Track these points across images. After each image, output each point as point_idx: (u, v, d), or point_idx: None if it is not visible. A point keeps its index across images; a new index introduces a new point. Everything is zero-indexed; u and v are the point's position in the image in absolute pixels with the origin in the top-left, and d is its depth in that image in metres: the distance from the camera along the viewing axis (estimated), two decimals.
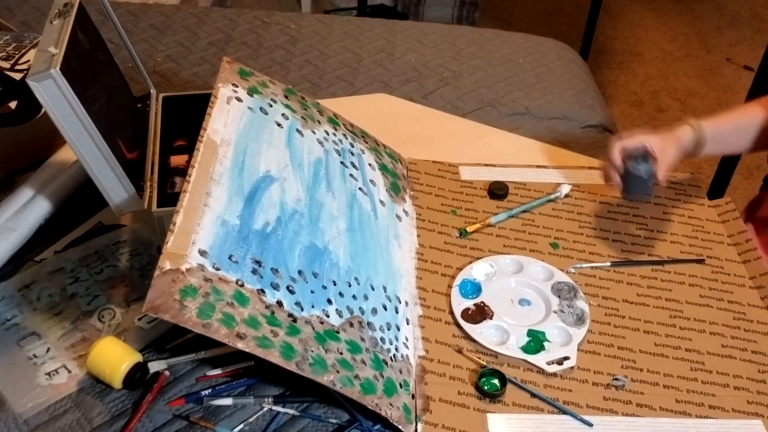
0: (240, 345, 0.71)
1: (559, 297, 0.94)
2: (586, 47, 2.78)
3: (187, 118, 1.04)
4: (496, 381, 0.84)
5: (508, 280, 0.97)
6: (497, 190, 1.11)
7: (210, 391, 0.83)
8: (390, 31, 1.63)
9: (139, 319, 0.91)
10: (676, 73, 2.94)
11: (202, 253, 0.74)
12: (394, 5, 3.15)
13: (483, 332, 0.89)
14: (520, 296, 0.95)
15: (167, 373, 0.85)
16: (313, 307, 0.80)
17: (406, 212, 1.06)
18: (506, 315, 0.92)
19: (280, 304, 0.77)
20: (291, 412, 0.81)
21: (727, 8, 3.43)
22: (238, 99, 0.94)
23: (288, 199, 0.88)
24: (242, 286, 0.75)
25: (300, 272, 0.82)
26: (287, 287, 0.79)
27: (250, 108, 0.94)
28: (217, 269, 0.74)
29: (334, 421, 0.81)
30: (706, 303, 0.95)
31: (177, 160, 1.02)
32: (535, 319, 0.92)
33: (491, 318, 0.91)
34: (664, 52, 3.08)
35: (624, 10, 3.38)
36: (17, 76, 1.14)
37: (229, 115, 0.90)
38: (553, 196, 1.11)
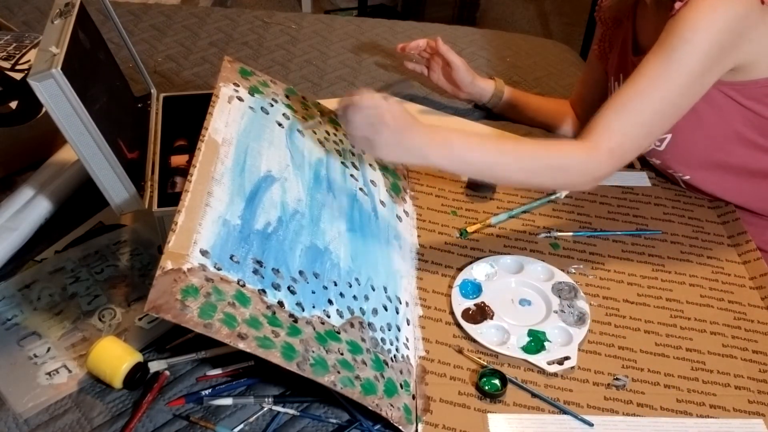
0: (241, 345, 0.71)
1: (560, 297, 0.94)
2: (586, 48, 2.78)
3: (188, 118, 1.04)
4: (496, 381, 0.84)
5: (508, 280, 0.97)
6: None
7: (210, 391, 0.83)
8: (390, 31, 1.63)
9: (140, 319, 0.91)
10: None
11: (204, 252, 0.74)
12: (394, 5, 3.15)
13: (483, 332, 0.89)
14: (520, 296, 0.95)
15: (167, 373, 0.85)
16: (314, 307, 0.80)
17: (406, 212, 1.06)
18: (507, 315, 0.92)
19: (281, 304, 0.77)
20: (291, 412, 0.81)
21: None
22: (240, 98, 0.94)
23: (289, 199, 0.88)
24: (243, 286, 0.75)
25: (301, 272, 0.82)
26: (288, 287, 0.79)
27: (251, 107, 0.94)
28: (219, 269, 0.74)
29: (334, 421, 0.81)
30: (707, 303, 0.95)
31: (177, 160, 1.02)
32: (536, 319, 0.92)
33: (492, 318, 0.91)
34: None
35: None
36: (18, 76, 1.14)
37: (230, 115, 0.90)
38: (553, 197, 1.11)
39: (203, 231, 0.76)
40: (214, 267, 0.74)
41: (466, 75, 1.25)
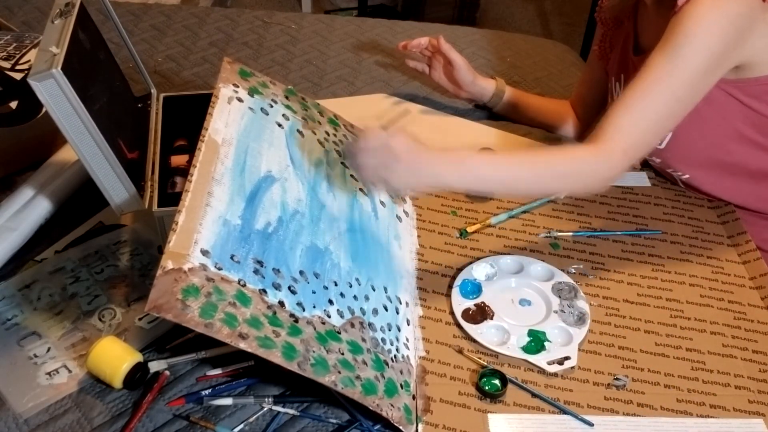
0: (242, 345, 0.71)
1: (560, 297, 0.94)
2: (586, 48, 2.78)
3: (188, 118, 1.04)
4: (496, 381, 0.84)
5: (508, 280, 0.97)
6: None
7: (210, 391, 0.83)
8: (390, 31, 1.63)
9: (140, 319, 0.91)
10: None
11: (205, 252, 0.74)
12: (394, 5, 3.15)
13: (484, 332, 0.89)
14: (520, 296, 0.95)
15: (167, 373, 0.85)
16: (314, 307, 0.80)
17: (406, 213, 1.06)
18: (507, 315, 0.92)
19: (281, 304, 0.77)
20: (291, 412, 0.81)
21: None
22: (239, 99, 0.94)
23: (289, 199, 0.88)
24: (244, 286, 0.75)
25: (301, 272, 0.82)
26: (289, 287, 0.79)
27: (251, 108, 0.94)
28: (219, 269, 0.74)
29: (334, 421, 0.81)
30: (707, 303, 0.95)
31: (177, 160, 1.02)
32: (536, 319, 0.92)
33: (492, 318, 0.91)
34: None
35: None
36: (18, 76, 1.14)
37: (230, 115, 0.90)
38: (553, 197, 1.11)
39: (204, 231, 0.76)
40: (215, 267, 0.74)
41: (468, 74, 1.25)
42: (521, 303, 0.95)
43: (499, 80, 1.29)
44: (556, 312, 0.92)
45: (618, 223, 1.08)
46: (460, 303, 0.93)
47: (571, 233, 1.05)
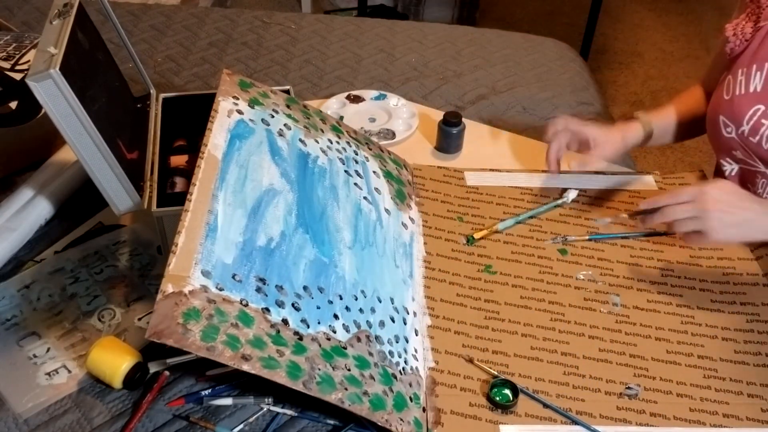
0: (245, 367, 0.69)
1: None
2: (586, 47, 2.78)
3: (187, 118, 1.04)
4: (507, 391, 0.82)
5: None
6: (452, 118, 1.17)
7: (210, 391, 0.83)
8: (390, 31, 1.63)
9: (139, 319, 0.91)
10: (676, 73, 2.94)
11: (205, 273, 0.73)
12: (394, 5, 3.15)
13: None
14: None
15: (167, 373, 0.84)
16: (319, 323, 0.79)
17: (412, 219, 1.05)
18: None
19: (285, 322, 0.76)
20: (290, 412, 0.81)
21: (727, 9, 3.43)
22: (239, 111, 0.92)
23: (291, 212, 0.87)
24: (246, 305, 0.74)
25: (305, 288, 0.81)
26: (292, 304, 0.78)
27: (251, 120, 0.93)
28: (221, 290, 0.73)
29: (331, 421, 0.81)
30: (718, 308, 0.94)
31: (177, 160, 1.02)
32: None
33: None
34: (665, 52, 3.08)
35: (624, 10, 3.38)
36: (17, 76, 1.14)
37: (230, 129, 0.89)
38: (560, 202, 1.10)
39: (204, 251, 0.74)
40: (216, 287, 0.73)
41: (616, 148, 1.08)
42: None
43: (641, 116, 1.12)
44: None
45: (626, 228, 1.06)
46: None
47: (587, 237, 1.03)
